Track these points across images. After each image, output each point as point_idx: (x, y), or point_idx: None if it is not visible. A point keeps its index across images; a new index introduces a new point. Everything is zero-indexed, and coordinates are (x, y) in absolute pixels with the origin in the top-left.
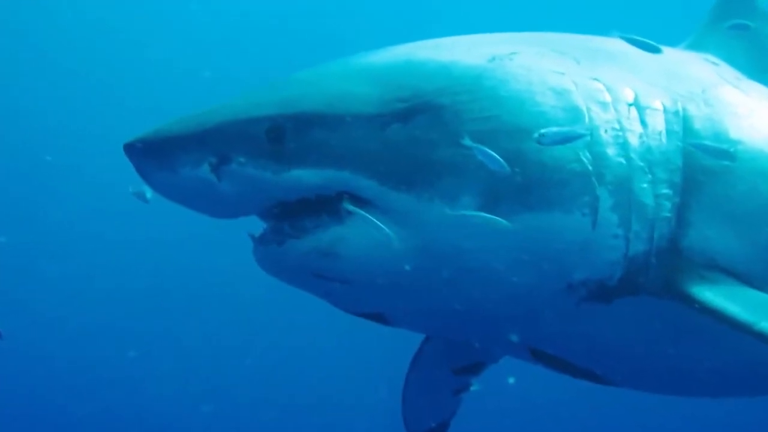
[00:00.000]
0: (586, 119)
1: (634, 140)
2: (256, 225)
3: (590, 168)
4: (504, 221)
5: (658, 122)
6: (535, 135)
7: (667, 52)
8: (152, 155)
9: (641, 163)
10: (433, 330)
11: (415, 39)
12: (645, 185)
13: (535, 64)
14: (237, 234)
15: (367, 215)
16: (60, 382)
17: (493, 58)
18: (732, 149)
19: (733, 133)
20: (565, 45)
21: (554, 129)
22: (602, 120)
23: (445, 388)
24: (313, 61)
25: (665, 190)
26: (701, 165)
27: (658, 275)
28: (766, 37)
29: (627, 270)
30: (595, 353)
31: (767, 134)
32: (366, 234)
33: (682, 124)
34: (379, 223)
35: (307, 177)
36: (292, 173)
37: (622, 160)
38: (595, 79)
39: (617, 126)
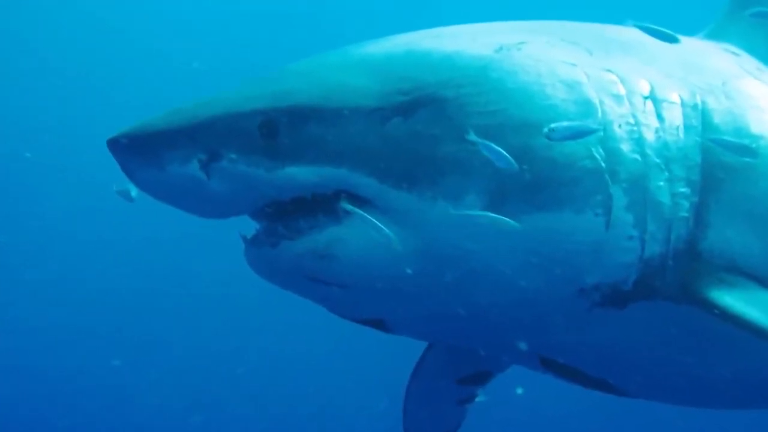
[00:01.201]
0: (599, 113)
1: (649, 135)
2: (248, 225)
3: (603, 165)
4: (511, 221)
5: (675, 116)
6: (545, 130)
7: (685, 41)
8: (138, 151)
9: (657, 160)
10: (436, 337)
11: (417, 28)
12: (661, 183)
13: (545, 55)
14: (228, 235)
15: (366, 215)
16: (39, 392)
17: (500, 48)
18: (754, 145)
19: (755, 128)
20: (577, 34)
21: (565, 123)
22: (616, 114)
23: (449, 399)
24: (309, 51)
25: (683, 189)
26: (721, 162)
27: (675, 279)
28: None
29: (642, 273)
30: (608, 362)
31: None
32: (365, 235)
33: (700, 119)
34: (378, 223)
35: (302, 174)
36: (287, 170)
37: (637, 157)
38: (609, 71)
39: (632, 120)
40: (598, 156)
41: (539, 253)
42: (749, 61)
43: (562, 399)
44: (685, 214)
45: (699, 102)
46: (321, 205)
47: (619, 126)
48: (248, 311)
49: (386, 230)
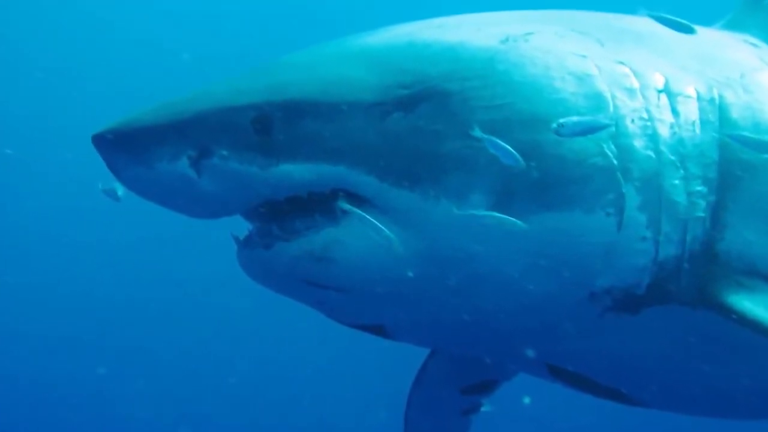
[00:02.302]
0: (611, 108)
1: (664, 131)
2: (241, 226)
3: (615, 162)
4: (518, 222)
5: (691, 111)
6: (554, 125)
7: (701, 32)
8: (124, 148)
9: (672, 157)
10: (439, 344)
11: (418, 18)
12: (676, 182)
13: (554, 46)
14: (219, 236)
15: (365, 215)
16: (20, 401)
17: (507, 39)
18: None
19: None
20: (587, 25)
21: (575, 118)
22: (629, 108)
23: (453, 409)
24: (305, 42)
25: (699, 187)
26: (739, 159)
27: (690, 282)
28: None
29: (656, 276)
30: (620, 369)
31: None
32: (364, 236)
33: (718, 113)
34: (378, 223)
35: (297, 172)
36: (281, 168)
37: (651, 154)
38: (621, 63)
39: (645, 115)
40: (609, 153)
41: (548, 255)
42: None
43: (572, 409)
44: (702, 214)
45: (716, 96)
46: (318, 204)
47: (632, 121)
48: (241, 317)
49: (386, 231)
